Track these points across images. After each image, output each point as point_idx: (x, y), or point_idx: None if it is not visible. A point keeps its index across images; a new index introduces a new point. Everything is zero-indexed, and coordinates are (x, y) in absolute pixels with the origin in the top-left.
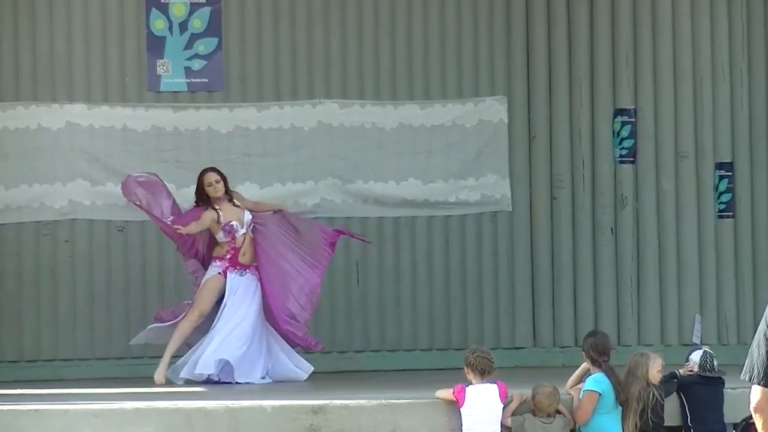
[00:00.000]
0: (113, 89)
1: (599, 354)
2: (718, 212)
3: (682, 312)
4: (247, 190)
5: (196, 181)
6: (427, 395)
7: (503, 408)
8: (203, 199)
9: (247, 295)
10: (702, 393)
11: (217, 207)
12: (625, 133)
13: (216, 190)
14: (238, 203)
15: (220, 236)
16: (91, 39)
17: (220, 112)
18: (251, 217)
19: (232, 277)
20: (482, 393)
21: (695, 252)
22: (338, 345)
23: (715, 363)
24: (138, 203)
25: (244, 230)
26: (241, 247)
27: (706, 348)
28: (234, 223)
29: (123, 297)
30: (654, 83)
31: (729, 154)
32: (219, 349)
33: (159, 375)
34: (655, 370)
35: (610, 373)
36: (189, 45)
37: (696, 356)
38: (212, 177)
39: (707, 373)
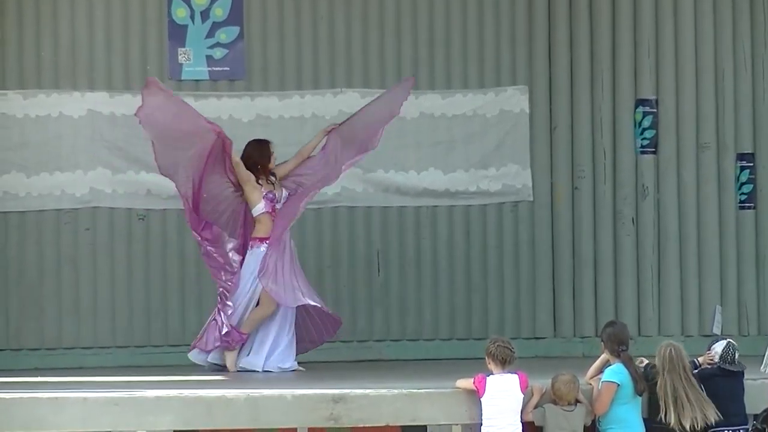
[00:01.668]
0: (135, 77)
1: (618, 344)
2: (739, 203)
3: (702, 302)
4: None
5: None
6: (447, 385)
7: (525, 402)
8: (253, 170)
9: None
10: (722, 385)
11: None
12: (646, 123)
13: (273, 162)
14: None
15: (260, 207)
16: (112, 27)
17: (242, 100)
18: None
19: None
20: (503, 383)
21: (716, 243)
22: (359, 334)
23: (737, 356)
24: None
25: (280, 204)
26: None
27: (730, 339)
28: (276, 192)
29: (144, 285)
30: (676, 74)
31: (750, 145)
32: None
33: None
34: (687, 360)
35: (628, 363)
36: (211, 33)
37: (719, 347)
38: (273, 148)
39: (727, 366)
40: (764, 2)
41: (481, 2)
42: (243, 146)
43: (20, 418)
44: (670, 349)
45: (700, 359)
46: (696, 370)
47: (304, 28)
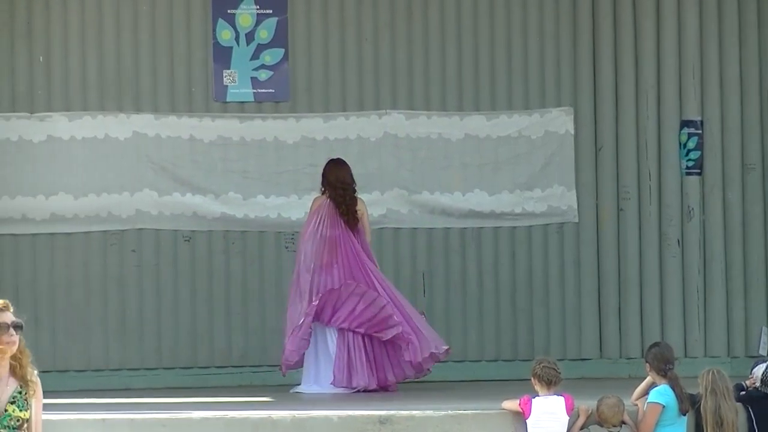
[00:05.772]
0: (180, 99)
1: (664, 363)
2: None
3: (748, 324)
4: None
5: (332, 171)
6: (493, 406)
7: (570, 424)
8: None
9: None
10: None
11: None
12: (691, 144)
13: None
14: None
15: None
16: (158, 49)
17: (287, 122)
18: None
19: None
20: (549, 405)
21: (762, 264)
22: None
23: None
24: None
25: None
26: None
27: None
28: None
29: (190, 307)
30: (721, 94)
31: None
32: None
33: None
34: (729, 383)
35: (675, 383)
36: (255, 55)
37: (759, 370)
38: None
39: (766, 389)
40: None
41: (526, 23)
42: (285, 168)
43: None
44: (713, 372)
45: (747, 382)
46: (743, 392)
47: (348, 49)
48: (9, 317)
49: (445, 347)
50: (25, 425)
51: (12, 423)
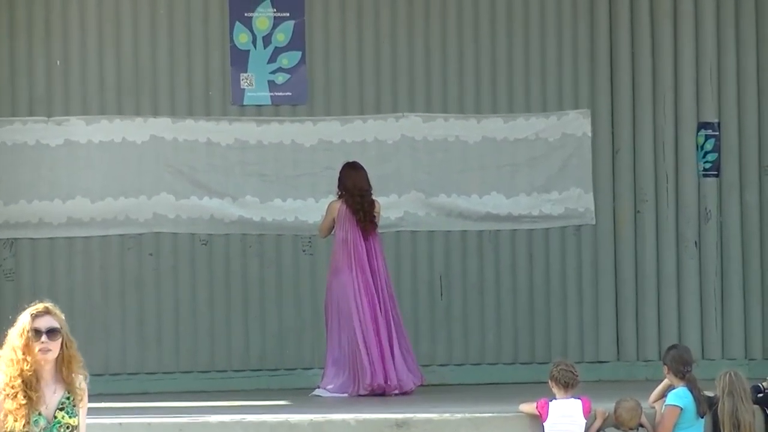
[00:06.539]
0: (197, 103)
1: (683, 364)
2: None
3: (766, 326)
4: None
5: (349, 176)
6: (510, 409)
7: (587, 426)
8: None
9: None
10: None
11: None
12: (708, 146)
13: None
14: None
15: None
16: (175, 53)
17: (304, 125)
18: None
19: None
20: (566, 408)
21: None
22: (422, 358)
23: None
24: None
25: None
26: None
27: None
28: None
29: (208, 310)
30: (738, 96)
31: None
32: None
33: None
34: (747, 384)
35: (693, 385)
36: (272, 59)
37: None
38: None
39: None
40: None
41: (544, 26)
42: (302, 171)
43: None
44: (730, 374)
45: (765, 384)
46: (761, 394)
47: (365, 52)
48: (44, 323)
49: (418, 384)
50: None
51: (62, 430)
